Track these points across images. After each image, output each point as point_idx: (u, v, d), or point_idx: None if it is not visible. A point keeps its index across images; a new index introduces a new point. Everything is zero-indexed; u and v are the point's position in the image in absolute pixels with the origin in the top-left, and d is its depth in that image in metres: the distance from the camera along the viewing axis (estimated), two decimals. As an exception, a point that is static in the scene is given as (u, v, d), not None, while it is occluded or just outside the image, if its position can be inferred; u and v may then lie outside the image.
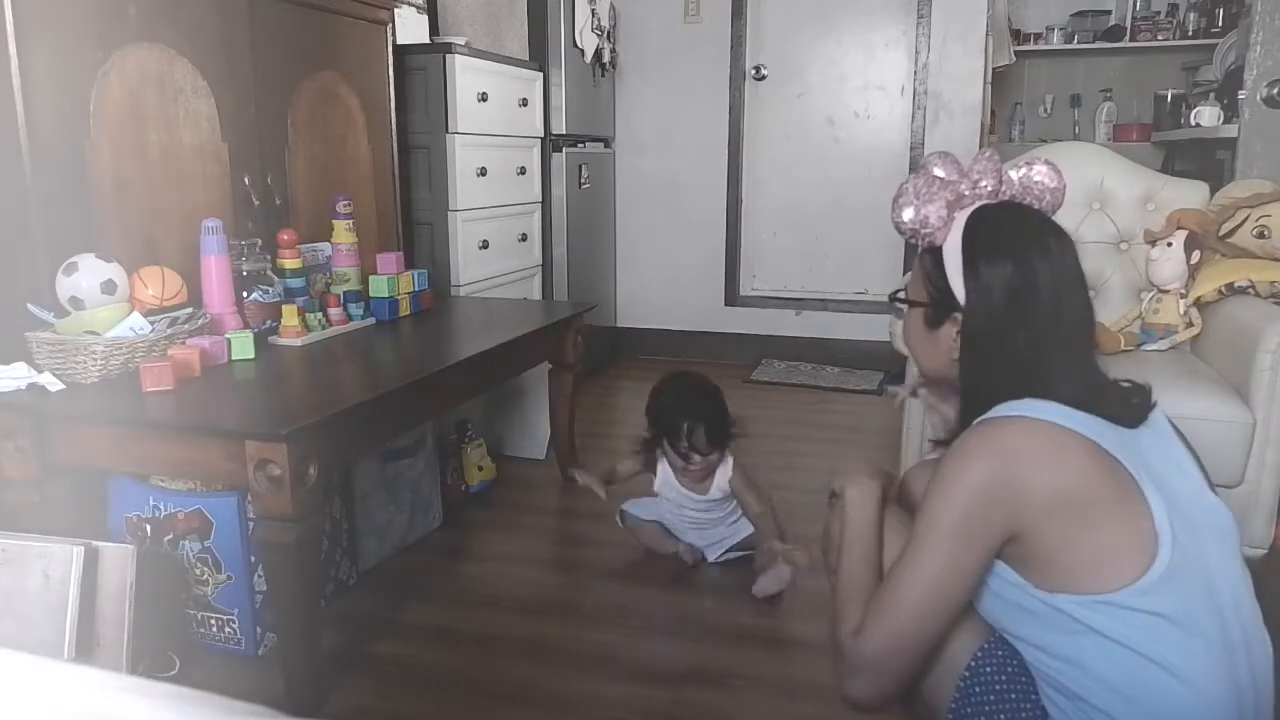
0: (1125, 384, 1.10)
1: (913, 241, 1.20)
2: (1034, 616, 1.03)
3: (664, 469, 2.10)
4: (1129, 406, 1.07)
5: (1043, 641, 1.04)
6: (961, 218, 1.15)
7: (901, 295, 1.24)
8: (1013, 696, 1.08)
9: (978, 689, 1.09)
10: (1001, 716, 1.07)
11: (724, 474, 2.06)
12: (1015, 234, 1.13)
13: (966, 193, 1.18)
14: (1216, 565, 1.01)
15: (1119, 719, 0.97)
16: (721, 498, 2.08)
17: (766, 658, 1.79)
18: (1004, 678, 1.09)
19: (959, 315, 1.12)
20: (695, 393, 2.07)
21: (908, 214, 1.17)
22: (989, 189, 1.18)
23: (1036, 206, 1.18)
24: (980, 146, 3.88)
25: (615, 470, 2.22)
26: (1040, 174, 1.19)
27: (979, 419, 1.06)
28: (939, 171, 1.20)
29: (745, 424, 2.10)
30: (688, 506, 2.10)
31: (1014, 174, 1.19)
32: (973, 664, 1.10)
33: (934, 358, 1.19)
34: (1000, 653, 1.10)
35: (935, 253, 1.17)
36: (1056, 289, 1.09)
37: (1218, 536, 1.04)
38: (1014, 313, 1.09)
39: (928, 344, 1.19)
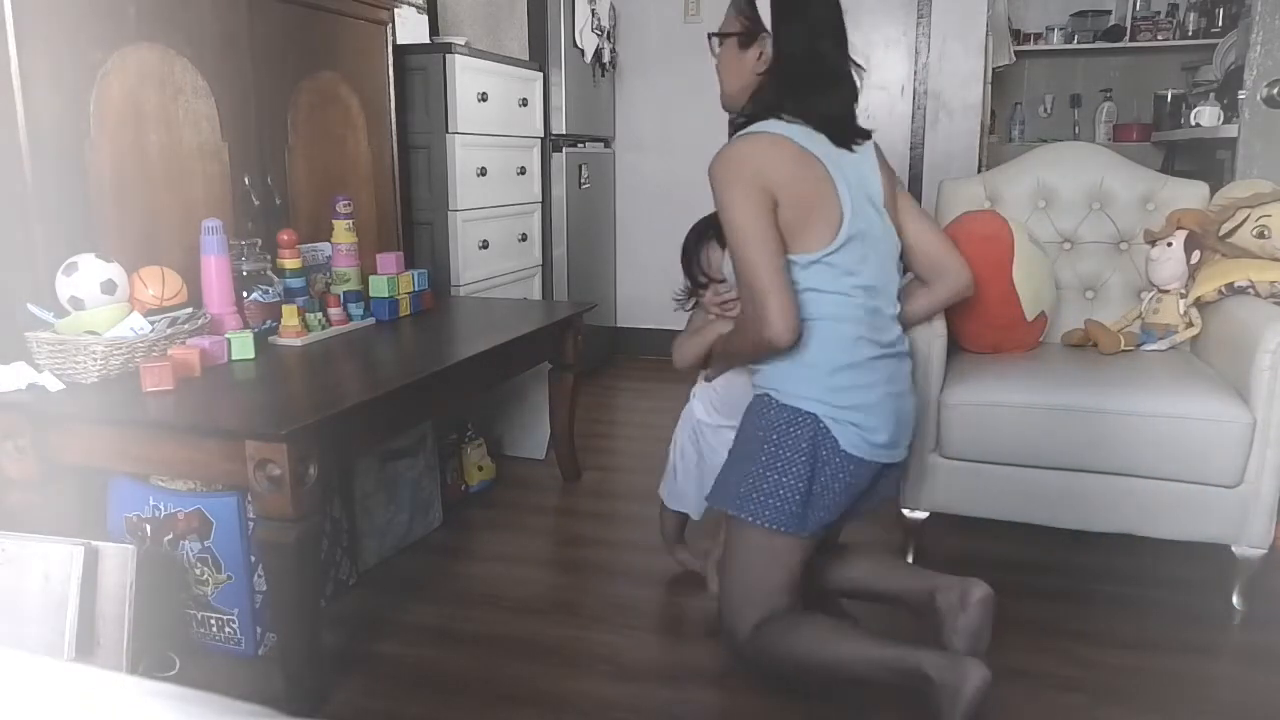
0: (857, 125, 1.68)
1: None
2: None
3: (699, 402, 2.14)
4: (845, 134, 1.62)
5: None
6: None
7: (717, 32, 1.67)
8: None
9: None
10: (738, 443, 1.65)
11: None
12: None
13: None
14: (878, 237, 1.60)
15: (817, 336, 1.54)
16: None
17: (766, 658, 1.79)
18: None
19: (765, 36, 1.58)
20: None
21: None
22: None
23: None
24: (980, 147, 3.88)
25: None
26: None
27: (733, 137, 1.57)
28: None
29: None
30: (722, 438, 1.98)
31: None
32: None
33: (740, 75, 1.64)
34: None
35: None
36: (822, 39, 1.60)
37: (881, 222, 1.62)
38: (799, 46, 1.59)
39: (736, 64, 1.64)
